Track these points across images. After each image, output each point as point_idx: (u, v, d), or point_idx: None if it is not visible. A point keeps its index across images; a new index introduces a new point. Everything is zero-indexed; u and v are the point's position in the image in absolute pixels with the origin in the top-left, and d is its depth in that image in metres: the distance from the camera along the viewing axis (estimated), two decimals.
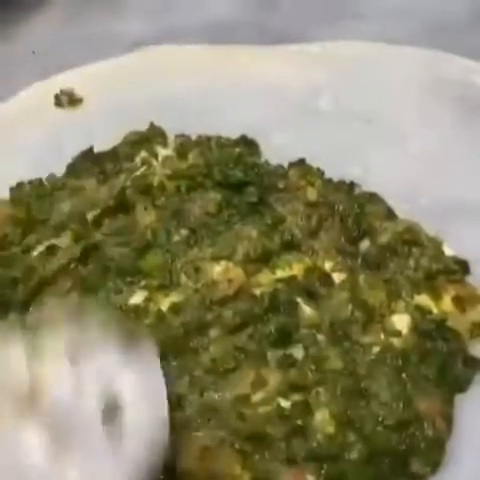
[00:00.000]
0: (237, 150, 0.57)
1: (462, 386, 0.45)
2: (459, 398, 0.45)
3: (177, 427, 0.41)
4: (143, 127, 0.60)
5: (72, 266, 0.50)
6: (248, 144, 0.57)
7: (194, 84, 0.65)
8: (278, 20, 0.75)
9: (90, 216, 0.53)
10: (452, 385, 0.45)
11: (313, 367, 0.45)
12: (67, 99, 0.63)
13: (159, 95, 0.64)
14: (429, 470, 0.42)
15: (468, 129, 0.60)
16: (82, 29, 0.76)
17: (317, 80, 0.65)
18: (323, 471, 0.41)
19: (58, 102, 0.63)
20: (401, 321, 0.47)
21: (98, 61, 0.68)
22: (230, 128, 0.60)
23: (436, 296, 0.49)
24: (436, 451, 0.42)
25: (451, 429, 0.44)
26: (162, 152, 0.58)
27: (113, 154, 0.58)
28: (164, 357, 0.45)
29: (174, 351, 0.46)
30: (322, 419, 0.43)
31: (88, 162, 0.57)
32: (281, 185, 0.54)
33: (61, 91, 0.63)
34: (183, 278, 0.49)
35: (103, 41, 0.72)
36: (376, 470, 0.41)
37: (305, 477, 0.41)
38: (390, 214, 0.53)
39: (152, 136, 0.59)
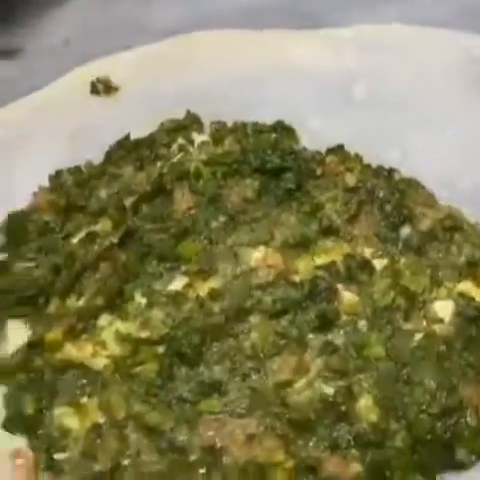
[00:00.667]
0: (273, 136, 0.57)
1: None
2: None
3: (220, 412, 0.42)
4: (179, 115, 0.60)
5: (112, 252, 0.50)
6: (285, 130, 0.57)
7: (229, 70, 0.64)
8: (310, 4, 0.74)
9: (128, 202, 0.53)
10: None
11: (355, 354, 0.45)
12: (103, 87, 0.63)
13: (195, 82, 0.63)
14: (474, 458, 0.41)
15: None
16: (115, 16, 0.76)
17: (352, 65, 0.64)
18: (367, 458, 0.41)
19: (94, 90, 0.63)
20: (444, 308, 0.47)
21: (133, 48, 0.68)
22: (266, 114, 0.59)
23: (479, 283, 0.48)
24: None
25: None
26: (198, 139, 0.58)
27: (150, 141, 0.58)
28: (204, 342, 0.45)
29: (214, 337, 0.46)
30: (365, 405, 0.43)
31: (125, 149, 0.57)
32: (319, 171, 0.54)
33: (97, 79, 0.63)
34: (222, 264, 0.49)
35: (137, 28, 0.72)
36: (420, 458, 0.41)
37: (349, 464, 0.41)
38: (430, 200, 0.53)
39: (188, 123, 0.58)
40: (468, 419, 0.42)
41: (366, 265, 0.48)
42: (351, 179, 0.53)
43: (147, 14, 0.75)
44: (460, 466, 0.41)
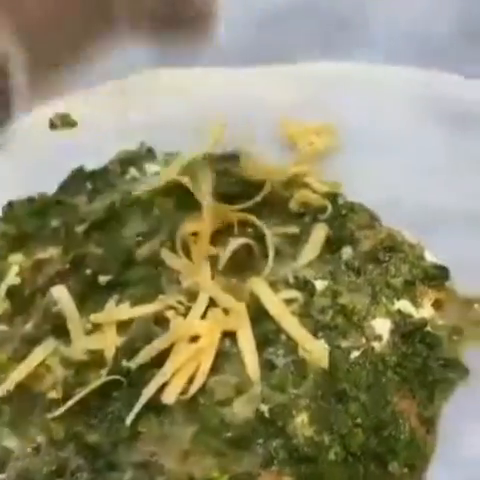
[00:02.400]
0: (223, 165, 0.58)
1: (441, 389, 0.45)
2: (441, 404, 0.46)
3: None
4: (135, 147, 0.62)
5: (61, 278, 0.52)
6: (233, 158, 0.59)
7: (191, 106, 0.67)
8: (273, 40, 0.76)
9: (80, 229, 0.54)
10: (431, 388, 0.45)
11: (294, 371, 0.45)
12: (60, 122, 0.65)
13: (155, 116, 0.66)
14: (407, 471, 0.42)
15: (452, 144, 0.61)
16: None
17: (303, 99, 0.66)
18: (301, 472, 0.41)
19: (53, 125, 0.65)
20: (382, 325, 0.48)
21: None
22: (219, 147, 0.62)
23: (416, 301, 0.49)
24: (413, 452, 0.42)
25: (431, 433, 0.44)
26: (151, 168, 0.60)
27: (104, 172, 0.60)
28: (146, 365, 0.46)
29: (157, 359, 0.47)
30: (301, 421, 0.43)
31: (79, 180, 0.59)
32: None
33: (56, 115, 0.65)
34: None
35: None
36: (352, 471, 0.42)
37: (282, 479, 0.41)
38: (373, 222, 0.54)
39: (141, 154, 0.60)
40: (401, 433, 0.43)
41: (306, 285, 0.50)
42: (295, 205, 0.55)
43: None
44: (390, 478, 0.42)
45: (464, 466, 0.42)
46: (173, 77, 0.72)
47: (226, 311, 0.48)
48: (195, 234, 0.53)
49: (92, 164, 0.60)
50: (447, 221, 0.54)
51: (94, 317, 0.49)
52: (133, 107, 0.69)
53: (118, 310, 0.49)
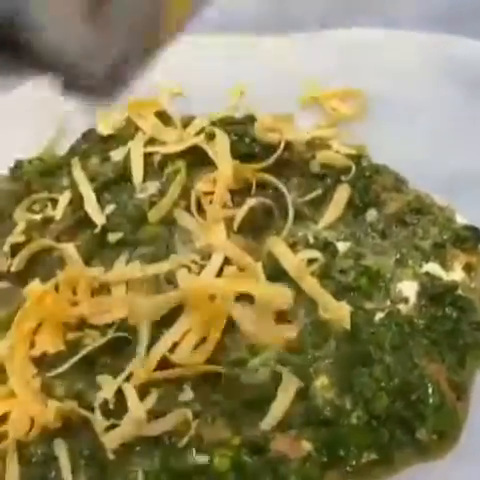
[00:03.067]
0: (242, 126, 0.56)
1: (474, 355, 0.42)
2: (473, 370, 0.42)
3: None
4: None
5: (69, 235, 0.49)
6: (251, 121, 0.56)
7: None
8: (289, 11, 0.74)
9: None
10: (462, 352, 0.42)
11: (313, 331, 0.42)
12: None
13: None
14: (436, 439, 0.39)
15: (473, 106, 0.58)
16: None
17: (327, 66, 0.64)
18: (320, 437, 0.38)
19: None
20: (409, 288, 0.45)
21: None
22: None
23: (446, 264, 0.46)
24: (443, 419, 0.39)
25: (463, 400, 0.41)
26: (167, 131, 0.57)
27: (118, 135, 0.57)
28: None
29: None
30: (321, 384, 0.40)
31: (91, 142, 0.57)
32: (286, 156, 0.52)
33: None
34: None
35: None
36: (376, 436, 0.38)
37: (300, 443, 0.38)
38: (399, 185, 0.51)
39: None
40: (430, 397, 0.39)
41: (327, 247, 0.47)
42: (316, 166, 0.52)
43: None
44: (421, 446, 0.38)
45: None
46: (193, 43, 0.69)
47: (242, 270, 0.45)
48: (210, 194, 0.51)
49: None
50: (476, 184, 0.51)
51: (103, 276, 0.46)
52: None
53: (128, 269, 0.47)
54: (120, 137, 0.57)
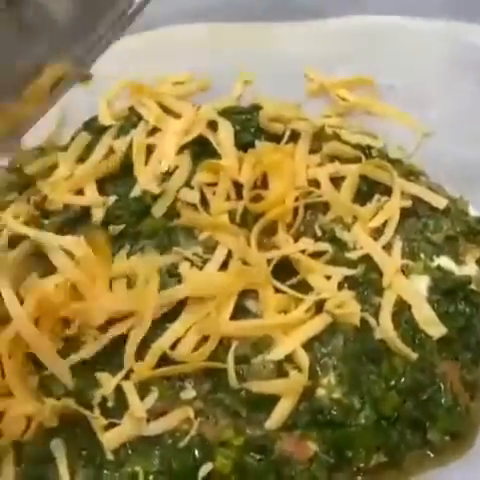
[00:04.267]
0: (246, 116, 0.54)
1: None
2: None
3: None
4: None
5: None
6: (255, 110, 0.54)
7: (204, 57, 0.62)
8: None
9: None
10: (476, 350, 0.40)
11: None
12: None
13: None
14: (448, 440, 0.37)
15: None
16: None
17: (340, 50, 0.62)
18: (327, 437, 0.37)
19: None
20: (420, 282, 0.43)
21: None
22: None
23: (459, 258, 0.44)
24: (456, 419, 0.38)
25: (476, 400, 0.39)
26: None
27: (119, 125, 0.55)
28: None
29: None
30: (329, 382, 0.39)
31: (92, 132, 0.55)
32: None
33: None
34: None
35: None
36: (386, 437, 0.37)
37: (306, 444, 0.37)
38: (411, 175, 0.49)
39: None
40: (442, 397, 0.38)
41: (336, 239, 0.45)
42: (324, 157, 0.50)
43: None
44: (433, 447, 0.37)
45: None
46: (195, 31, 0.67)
47: (246, 264, 0.44)
48: (214, 185, 0.49)
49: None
50: None
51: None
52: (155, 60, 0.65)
53: (129, 262, 0.45)
54: (122, 127, 0.56)
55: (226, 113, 0.54)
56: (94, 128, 0.56)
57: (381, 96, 0.58)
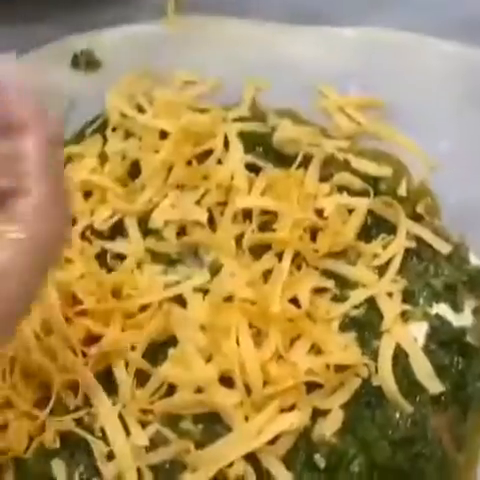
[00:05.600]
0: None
1: (476, 407, 0.42)
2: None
3: None
4: None
5: None
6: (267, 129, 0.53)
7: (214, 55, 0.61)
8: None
9: None
10: (464, 404, 0.42)
11: None
12: (85, 60, 0.59)
13: (179, 65, 0.60)
14: None
15: None
16: None
17: (348, 64, 0.61)
18: None
19: (75, 62, 0.59)
20: (418, 329, 0.44)
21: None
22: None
23: (457, 306, 0.46)
24: (444, 473, 0.39)
25: (462, 451, 0.41)
26: None
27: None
28: None
29: None
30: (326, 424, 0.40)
31: (96, 129, 0.54)
32: None
33: (81, 51, 0.60)
34: None
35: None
36: None
37: None
38: (416, 215, 0.50)
39: None
40: (432, 451, 0.39)
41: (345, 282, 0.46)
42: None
43: None
44: None
45: None
46: (200, 25, 0.66)
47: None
48: (223, 204, 0.49)
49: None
50: None
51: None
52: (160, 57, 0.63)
53: None
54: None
55: (242, 134, 0.53)
56: (101, 125, 0.55)
57: (392, 116, 0.57)
